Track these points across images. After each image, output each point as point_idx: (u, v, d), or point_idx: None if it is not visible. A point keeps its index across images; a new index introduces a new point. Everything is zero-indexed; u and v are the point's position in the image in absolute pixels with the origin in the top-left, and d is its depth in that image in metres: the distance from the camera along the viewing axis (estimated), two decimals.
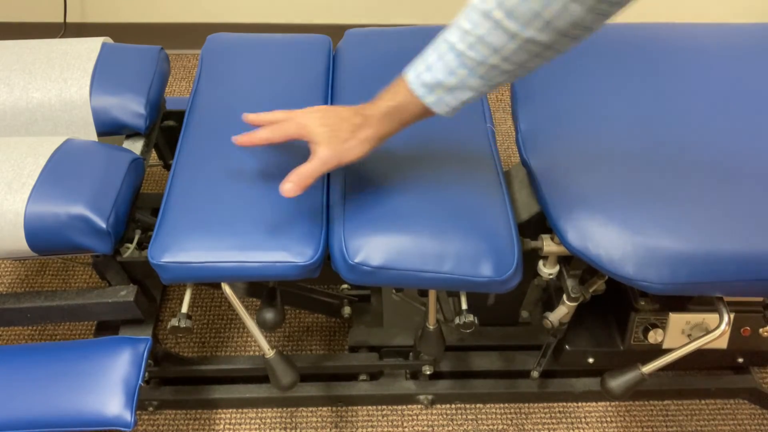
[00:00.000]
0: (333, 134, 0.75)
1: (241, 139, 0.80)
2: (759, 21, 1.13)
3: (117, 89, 1.00)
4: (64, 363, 0.89)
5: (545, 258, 0.94)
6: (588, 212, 0.82)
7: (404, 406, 1.22)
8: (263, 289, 0.98)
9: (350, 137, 0.75)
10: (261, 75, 1.05)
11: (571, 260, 0.95)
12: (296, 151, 0.94)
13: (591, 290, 0.96)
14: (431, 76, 0.70)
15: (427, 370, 1.16)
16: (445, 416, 1.21)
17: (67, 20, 1.87)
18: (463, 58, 0.67)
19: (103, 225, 0.84)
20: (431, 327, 0.97)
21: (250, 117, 0.83)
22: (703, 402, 1.24)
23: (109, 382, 0.87)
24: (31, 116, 0.98)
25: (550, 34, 0.63)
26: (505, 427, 1.20)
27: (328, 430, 1.20)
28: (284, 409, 1.22)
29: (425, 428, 1.20)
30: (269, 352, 0.95)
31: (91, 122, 0.99)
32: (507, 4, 0.63)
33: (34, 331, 1.32)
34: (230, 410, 1.21)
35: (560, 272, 0.96)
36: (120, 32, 1.87)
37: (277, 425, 1.20)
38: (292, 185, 0.75)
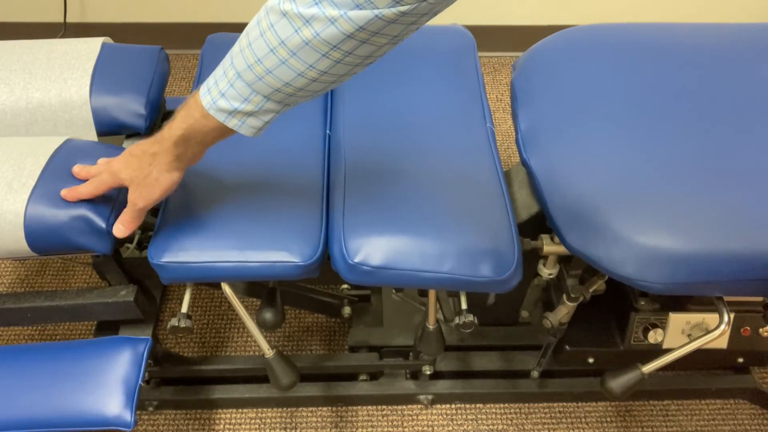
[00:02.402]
0: (136, 174, 0.76)
1: (66, 194, 0.82)
2: (759, 21, 1.13)
3: (117, 89, 1.00)
4: (64, 363, 0.89)
5: (545, 258, 0.94)
6: (588, 212, 0.82)
7: (404, 406, 1.22)
8: (263, 289, 0.98)
9: (150, 171, 0.75)
10: None
11: (571, 260, 0.95)
12: (295, 150, 0.94)
13: (591, 290, 0.96)
14: (227, 103, 0.67)
15: (427, 370, 1.16)
16: (445, 416, 1.21)
17: (67, 20, 1.87)
18: (254, 86, 0.65)
19: (103, 225, 0.84)
20: (431, 327, 0.97)
21: (75, 170, 0.85)
22: (703, 402, 1.24)
23: (109, 382, 0.87)
24: (31, 116, 0.98)
25: (342, 67, 0.62)
26: (505, 427, 1.20)
27: (328, 430, 1.20)
28: (284, 409, 1.22)
29: (425, 428, 1.20)
30: (269, 352, 0.95)
31: (91, 122, 0.99)
32: (290, 45, 0.61)
33: (34, 331, 1.32)
34: (230, 410, 1.21)
35: (560, 272, 0.96)
36: (120, 32, 1.87)
37: (277, 425, 1.20)
38: (121, 227, 0.81)
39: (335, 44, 0.59)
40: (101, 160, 0.86)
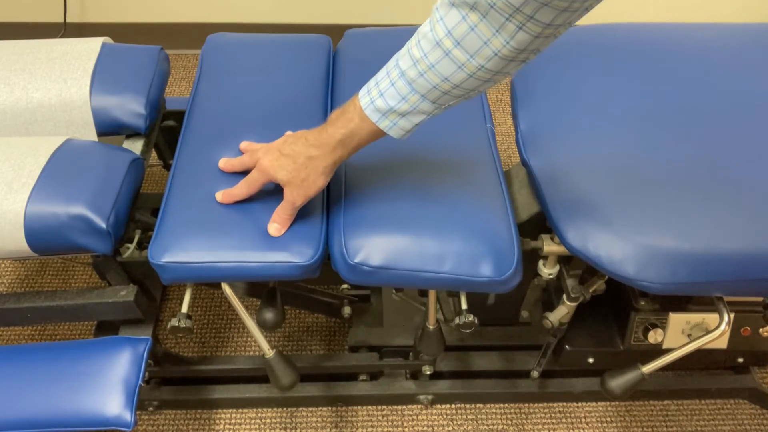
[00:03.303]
0: (293, 176, 0.79)
1: (221, 197, 0.85)
2: (759, 21, 1.13)
3: (117, 89, 1.00)
4: (64, 363, 0.89)
5: (545, 258, 0.94)
6: (588, 212, 0.82)
7: (404, 406, 1.22)
8: (263, 289, 0.98)
9: (308, 174, 0.78)
10: (261, 75, 1.05)
11: (571, 260, 0.95)
12: None
13: (591, 290, 0.96)
14: (384, 103, 0.71)
15: (427, 370, 1.16)
16: (445, 416, 1.21)
17: (67, 20, 1.87)
18: (414, 84, 0.69)
19: (103, 225, 0.84)
20: (431, 327, 0.97)
21: (221, 165, 0.89)
22: (703, 402, 1.24)
23: (109, 382, 0.87)
24: (31, 116, 0.98)
25: (498, 62, 0.64)
26: (505, 427, 1.20)
27: (328, 430, 1.20)
28: (284, 409, 1.22)
29: (425, 428, 1.20)
30: (269, 352, 0.95)
31: (91, 122, 0.99)
32: (456, 33, 0.64)
33: (34, 331, 1.32)
34: (230, 410, 1.21)
35: (560, 272, 0.96)
36: (120, 32, 1.87)
37: (277, 425, 1.20)
38: (277, 226, 0.82)
39: (497, 29, 0.61)
40: (245, 146, 0.90)
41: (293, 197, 0.80)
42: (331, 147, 0.76)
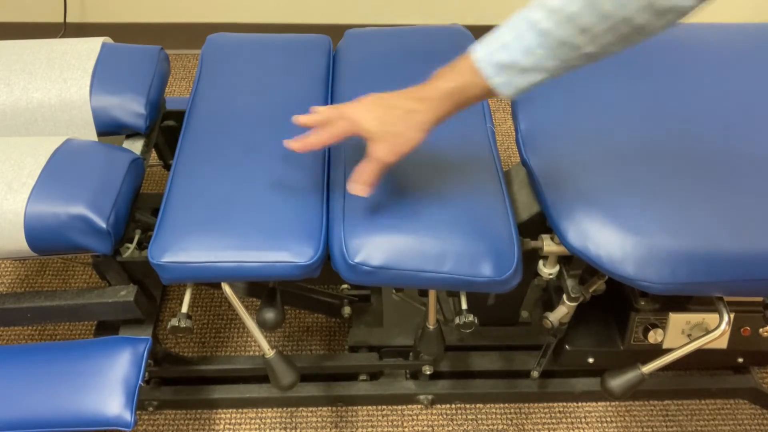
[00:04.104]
0: (385, 129, 0.71)
1: (294, 144, 0.77)
2: (759, 21, 1.13)
3: (117, 89, 1.00)
4: (64, 363, 0.89)
5: (545, 258, 0.94)
6: (588, 212, 0.82)
7: (404, 406, 1.22)
8: (263, 289, 0.98)
9: (404, 128, 0.71)
10: (261, 75, 1.05)
11: (571, 260, 0.95)
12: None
13: (591, 290, 0.96)
14: (507, 55, 0.65)
15: (427, 370, 1.16)
16: (445, 416, 1.21)
17: (67, 20, 1.87)
18: (545, 37, 0.63)
19: (103, 225, 0.84)
20: (431, 327, 0.97)
21: (300, 119, 0.79)
22: (703, 402, 1.24)
23: (109, 382, 0.87)
24: (31, 116, 0.98)
25: (649, 14, 0.59)
26: (505, 427, 1.20)
27: (328, 430, 1.20)
28: (284, 409, 1.22)
29: (425, 428, 1.20)
30: (269, 352, 0.95)
31: (91, 122, 0.99)
32: None
33: (34, 331, 1.32)
34: (230, 410, 1.21)
35: (560, 272, 0.95)
36: (120, 32, 1.87)
37: (277, 425, 1.20)
38: (362, 186, 0.74)
39: None
40: (321, 108, 0.78)
41: (384, 153, 0.72)
42: (437, 100, 0.70)
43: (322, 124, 0.77)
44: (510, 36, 0.65)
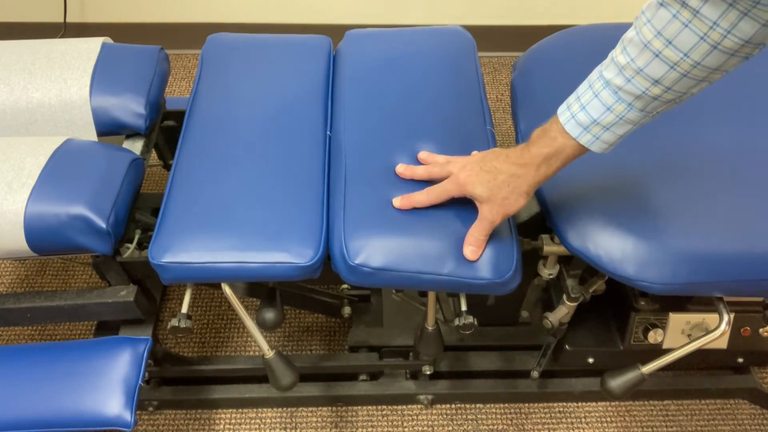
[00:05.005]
0: (493, 193, 0.76)
1: (400, 202, 0.83)
2: None
3: (117, 89, 1.00)
4: (64, 363, 0.89)
5: (545, 258, 0.94)
6: (588, 212, 0.82)
7: (404, 406, 1.22)
8: (263, 289, 0.98)
9: (509, 193, 0.76)
10: (261, 75, 1.05)
11: (571, 260, 0.95)
12: (295, 151, 0.94)
13: (591, 290, 0.96)
14: (586, 116, 0.69)
15: (427, 370, 1.16)
16: (445, 416, 1.21)
17: (67, 20, 1.87)
18: (620, 93, 0.67)
19: (103, 225, 0.84)
20: (430, 328, 0.97)
21: (399, 170, 0.87)
22: (703, 402, 1.24)
23: (109, 382, 0.87)
24: (31, 116, 0.98)
25: (717, 56, 0.61)
26: (505, 427, 1.20)
27: (328, 430, 1.20)
28: (284, 409, 1.22)
29: (425, 428, 1.20)
30: (269, 353, 0.95)
31: (91, 122, 0.99)
32: (666, 33, 0.61)
33: (34, 331, 1.32)
34: (230, 410, 1.21)
35: (560, 272, 0.95)
36: (120, 32, 1.87)
37: (277, 425, 1.20)
38: (473, 248, 0.80)
39: (715, 20, 0.58)
40: (425, 156, 0.87)
41: (492, 215, 0.78)
42: (535, 166, 0.74)
43: (420, 177, 0.86)
44: (588, 96, 0.69)
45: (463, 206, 0.84)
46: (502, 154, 0.77)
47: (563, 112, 0.71)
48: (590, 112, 0.69)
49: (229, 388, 1.19)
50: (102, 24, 1.90)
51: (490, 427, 1.20)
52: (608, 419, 1.22)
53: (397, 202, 0.83)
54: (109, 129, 1.00)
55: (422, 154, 0.89)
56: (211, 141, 0.94)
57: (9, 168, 0.86)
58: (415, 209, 0.84)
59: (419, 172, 0.86)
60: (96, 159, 0.91)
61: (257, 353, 1.29)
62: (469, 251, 0.80)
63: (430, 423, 1.20)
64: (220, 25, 1.86)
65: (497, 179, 0.76)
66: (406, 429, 1.20)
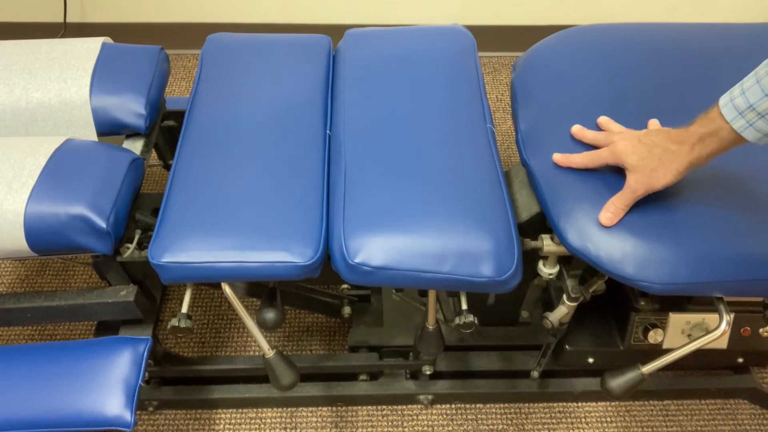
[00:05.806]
0: (644, 163, 0.78)
1: (559, 158, 0.87)
2: (759, 21, 1.13)
3: (117, 89, 1.00)
4: (64, 363, 0.89)
5: (545, 258, 0.94)
6: (588, 212, 0.82)
7: (404, 406, 1.22)
8: (263, 289, 0.98)
9: (659, 165, 0.77)
10: (261, 75, 1.05)
11: (571, 260, 0.95)
12: (295, 151, 0.94)
13: (591, 290, 0.96)
14: (743, 100, 0.69)
15: (427, 370, 1.16)
16: (445, 416, 1.21)
17: (67, 20, 1.87)
18: None
19: (103, 225, 0.84)
20: (431, 327, 0.97)
21: (574, 130, 0.90)
22: (703, 402, 1.24)
23: (109, 382, 0.87)
24: (31, 116, 0.98)
25: None
26: (505, 427, 1.20)
27: (328, 430, 1.20)
28: (284, 409, 1.22)
29: (425, 428, 1.20)
30: (269, 352, 0.95)
31: (91, 122, 0.99)
32: None
33: (34, 331, 1.32)
34: (230, 410, 1.21)
35: (560, 272, 0.95)
36: (120, 32, 1.87)
37: (277, 425, 1.20)
38: (610, 215, 0.81)
39: None
40: (605, 121, 0.90)
41: (637, 184, 0.79)
42: (690, 145, 0.75)
43: (589, 141, 0.88)
44: (750, 81, 0.69)
45: (465, 205, 0.84)
46: (664, 131, 0.79)
47: (724, 96, 0.72)
48: (748, 97, 0.69)
49: (229, 388, 1.19)
50: (102, 24, 1.90)
51: (490, 427, 1.20)
52: (608, 419, 1.22)
53: (557, 156, 0.87)
54: (109, 129, 1.00)
55: (602, 119, 0.91)
56: (211, 141, 0.94)
57: (9, 168, 0.86)
58: (413, 209, 0.84)
59: (588, 136, 0.89)
60: (96, 159, 0.91)
61: (257, 353, 1.29)
62: (605, 217, 0.81)
63: (430, 423, 1.20)
64: (220, 25, 1.86)
65: (651, 152, 0.77)
66: (406, 429, 1.20)
